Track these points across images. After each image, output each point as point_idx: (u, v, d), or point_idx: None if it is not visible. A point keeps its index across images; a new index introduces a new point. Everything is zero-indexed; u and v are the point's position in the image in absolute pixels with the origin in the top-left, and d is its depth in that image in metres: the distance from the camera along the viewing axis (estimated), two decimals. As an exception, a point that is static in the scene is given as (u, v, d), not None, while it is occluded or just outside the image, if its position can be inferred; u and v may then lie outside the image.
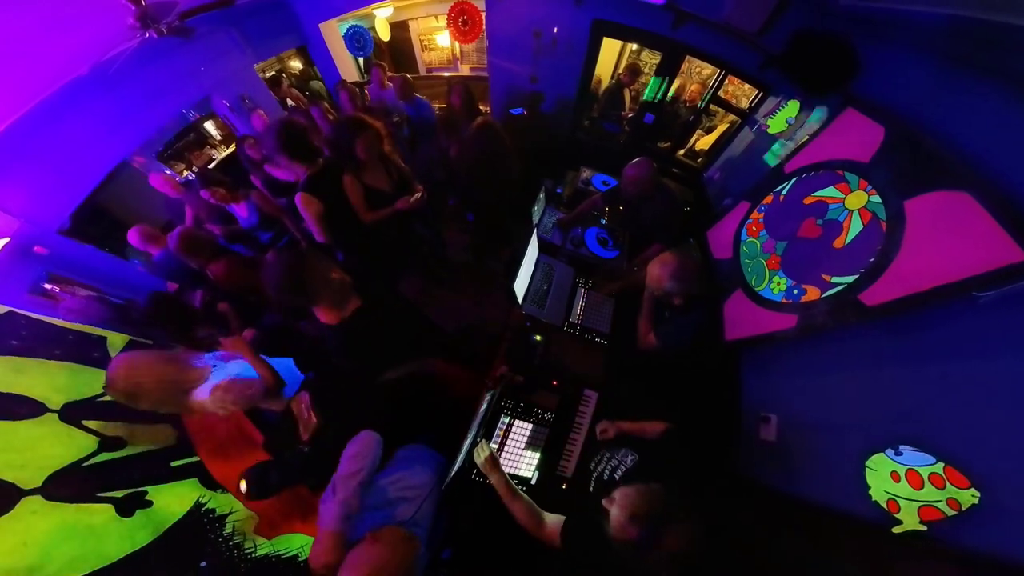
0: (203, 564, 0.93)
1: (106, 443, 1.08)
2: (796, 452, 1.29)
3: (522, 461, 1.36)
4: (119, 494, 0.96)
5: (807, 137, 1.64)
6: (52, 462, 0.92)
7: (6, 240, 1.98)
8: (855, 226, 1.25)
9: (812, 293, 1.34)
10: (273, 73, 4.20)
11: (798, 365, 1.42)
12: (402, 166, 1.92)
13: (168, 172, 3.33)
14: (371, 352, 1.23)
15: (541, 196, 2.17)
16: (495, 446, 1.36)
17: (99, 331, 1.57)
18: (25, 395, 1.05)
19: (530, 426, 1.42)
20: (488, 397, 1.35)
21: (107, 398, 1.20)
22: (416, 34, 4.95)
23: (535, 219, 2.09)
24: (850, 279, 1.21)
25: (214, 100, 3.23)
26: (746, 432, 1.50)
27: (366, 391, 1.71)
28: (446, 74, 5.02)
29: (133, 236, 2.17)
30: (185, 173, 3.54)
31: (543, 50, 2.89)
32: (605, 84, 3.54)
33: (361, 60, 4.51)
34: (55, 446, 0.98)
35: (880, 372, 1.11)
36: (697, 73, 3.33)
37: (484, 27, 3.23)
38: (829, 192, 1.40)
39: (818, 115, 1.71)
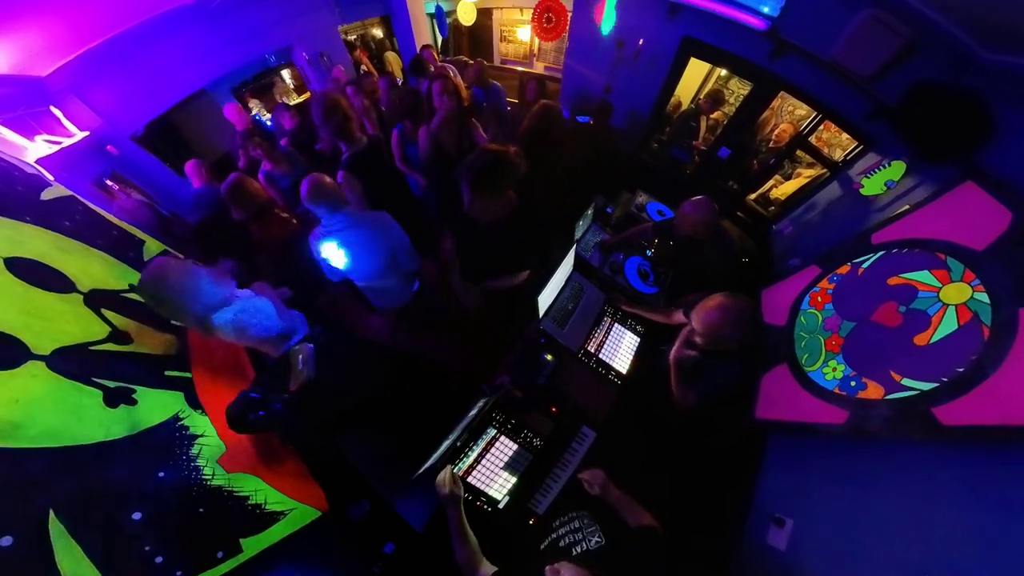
0: (161, 474, 1.01)
1: (115, 335, 1.21)
2: (807, 572, 1.15)
3: (496, 480, 1.33)
4: (111, 384, 1.07)
5: (908, 207, 1.49)
6: (64, 337, 1.05)
7: (86, 134, 2.32)
8: (947, 324, 1.11)
9: (873, 391, 1.20)
10: (354, 37, 4.60)
11: (836, 470, 1.26)
12: (477, 138, 2.22)
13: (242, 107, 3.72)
14: (497, 257, 1.45)
15: (589, 212, 2.16)
16: (473, 455, 1.34)
17: (141, 234, 1.77)
18: (62, 271, 1.21)
19: (515, 446, 1.39)
20: (481, 403, 1.34)
21: (129, 295, 1.38)
22: (498, 23, 5.20)
23: (577, 234, 2.08)
24: (926, 386, 1.07)
25: (295, 51, 3.59)
26: (752, 530, 1.36)
27: (368, 361, 1.79)
28: (519, 68, 5.21)
29: (190, 166, 2.45)
30: (254, 112, 3.94)
31: (624, 61, 2.90)
32: (684, 107, 3.48)
33: (439, 39, 4.82)
34: (71, 323, 1.11)
35: (938, 511, 0.95)
36: (789, 112, 3.16)
37: (568, 28, 3.32)
38: (922, 277, 1.26)
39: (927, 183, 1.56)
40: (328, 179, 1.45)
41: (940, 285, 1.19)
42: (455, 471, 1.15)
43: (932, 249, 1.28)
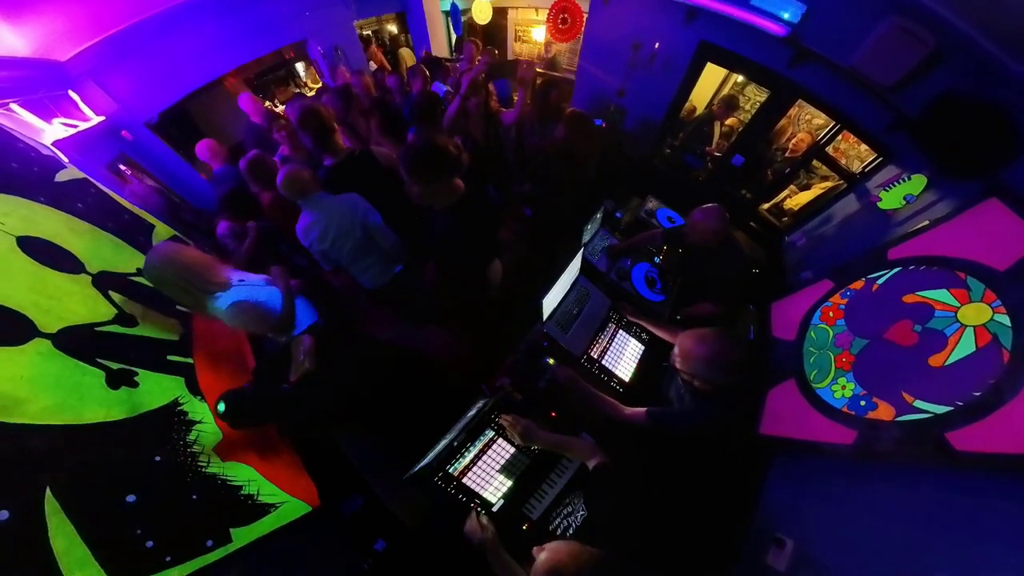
0: (157, 458, 1.02)
1: (121, 317, 1.24)
2: (809, 596, 1.12)
3: (491, 483, 1.32)
4: (114, 365, 1.09)
5: (927, 222, 1.46)
6: (71, 316, 1.08)
7: (102, 118, 2.38)
8: (965, 345, 1.08)
9: (884, 411, 1.18)
10: (369, 32, 4.66)
11: (840, 492, 1.24)
12: (506, 118, 2.40)
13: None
14: (467, 242, 1.49)
15: (598, 216, 2.15)
16: (470, 456, 1.34)
17: (151, 219, 1.82)
18: (72, 252, 1.25)
19: (512, 449, 1.38)
20: (480, 404, 1.34)
21: (136, 279, 1.41)
22: (513, 23, 5.23)
23: (585, 238, 2.07)
24: (940, 409, 1.04)
25: (310, 45, 3.64)
26: (750, 549, 1.34)
27: (367, 355, 1.81)
28: (536, 68, 5.21)
29: (201, 148, 2.52)
30: (268, 104, 4.02)
31: (639, 64, 2.90)
32: (698, 113, 3.46)
33: (455, 37, 4.86)
34: (79, 304, 1.14)
35: (947, 540, 0.93)
36: (807, 122, 3.13)
37: (583, 29, 3.33)
38: (940, 296, 1.23)
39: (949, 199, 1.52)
40: (297, 171, 1.56)
41: (959, 305, 1.16)
42: (480, 513, 1.09)
43: (951, 267, 1.25)
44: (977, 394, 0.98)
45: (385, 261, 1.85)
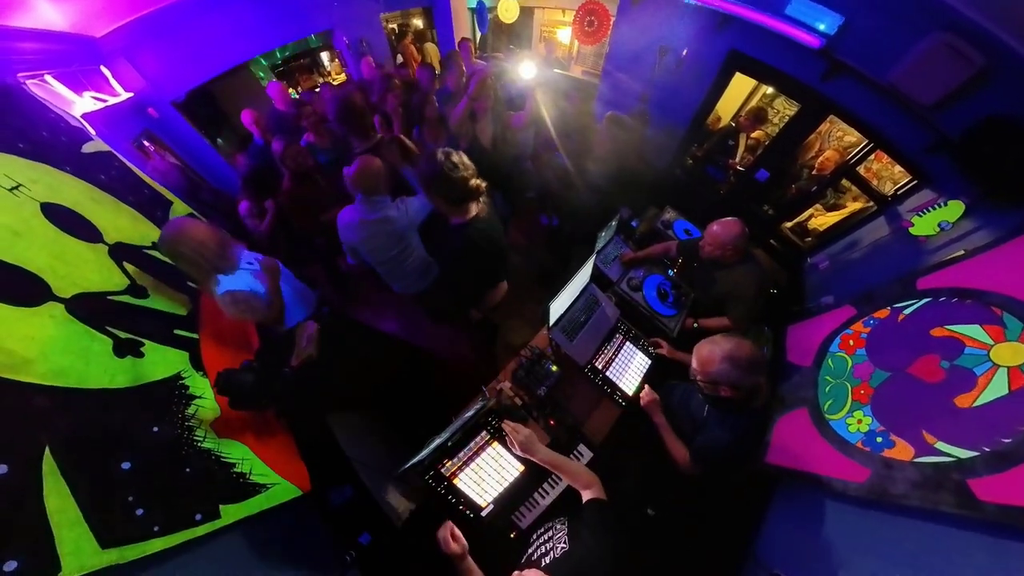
0: (155, 429, 1.05)
1: (133, 288, 1.30)
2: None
3: (482, 487, 1.32)
4: (122, 334, 1.14)
5: (963, 252, 1.40)
6: (86, 284, 1.13)
7: (131, 95, 2.50)
8: (996, 387, 1.03)
9: (902, 451, 1.12)
10: (395, 26, 4.76)
11: (849, 533, 1.18)
12: (515, 121, 2.42)
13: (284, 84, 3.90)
14: (479, 263, 1.45)
15: (613, 223, 2.14)
16: (464, 457, 1.34)
17: (169, 195, 1.90)
18: (92, 222, 1.31)
19: (507, 455, 1.38)
20: (478, 405, 1.34)
21: (151, 252, 1.47)
22: (539, 23, 5.27)
23: (598, 245, 2.06)
24: (964, 454, 0.99)
25: (336, 35, 3.74)
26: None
27: (370, 346, 1.84)
28: (555, 71, 5.23)
29: (247, 115, 2.62)
30: (291, 91, 4.13)
31: (665, 70, 2.88)
32: (723, 124, 3.41)
33: (479, 35, 4.93)
34: (94, 272, 1.20)
35: None
36: (837, 138, 3.04)
37: (610, 33, 3.33)
38: (972, 331, 1.18)
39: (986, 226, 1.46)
40: (376, 163, 1.50)
41: (992, 343, 1.11)
42: (452, 526, 1.05)
43: (987, 302, 1.19)
44: (1007, 441, 0.93)
45: (422, 269, 1.82)
